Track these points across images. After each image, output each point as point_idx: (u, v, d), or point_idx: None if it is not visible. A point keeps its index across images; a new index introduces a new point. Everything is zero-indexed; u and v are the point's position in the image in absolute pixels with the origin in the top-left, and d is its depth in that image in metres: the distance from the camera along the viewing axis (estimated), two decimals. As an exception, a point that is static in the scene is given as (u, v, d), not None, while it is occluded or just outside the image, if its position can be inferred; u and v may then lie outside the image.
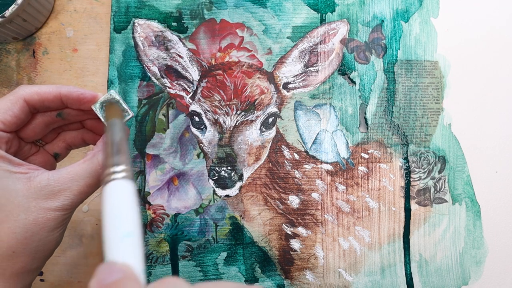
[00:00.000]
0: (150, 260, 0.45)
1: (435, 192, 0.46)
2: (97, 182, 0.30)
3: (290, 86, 0.47)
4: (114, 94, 0.32)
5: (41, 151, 0.35)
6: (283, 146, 0.46)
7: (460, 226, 0.45)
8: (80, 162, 0.30)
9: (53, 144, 0.35)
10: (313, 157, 0.46)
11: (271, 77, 0.46)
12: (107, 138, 0.28)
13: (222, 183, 0.45)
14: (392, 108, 0.46)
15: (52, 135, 0.35)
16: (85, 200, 0.30)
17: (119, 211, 0.22)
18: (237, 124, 0.46)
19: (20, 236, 0.27)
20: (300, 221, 0.45)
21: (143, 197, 0.46)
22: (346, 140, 0.46)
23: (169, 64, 0.47)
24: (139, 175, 0.46)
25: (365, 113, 0.46)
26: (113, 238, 0.21)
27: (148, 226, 0.45)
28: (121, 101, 0.32)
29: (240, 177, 0.45)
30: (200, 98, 0.46)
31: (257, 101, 0.46)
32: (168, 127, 0.46)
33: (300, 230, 0.45)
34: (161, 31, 0.47)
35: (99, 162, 0.30)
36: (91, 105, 0.32)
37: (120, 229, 0.22)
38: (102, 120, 0.32)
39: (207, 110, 0.46)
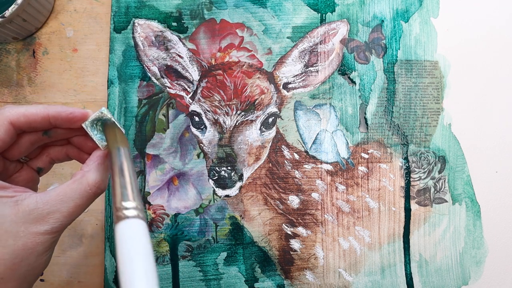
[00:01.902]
0: (150, 260, 0.45)
1: (435, 192, 0.46)
2: (86, 202, 0.29)
3: (290, 86, 0.47)
4: (106, 112, 0.31)
5: (25, 167, 0.34)
6: (283, 146, 0.46)
7: (460, 226, 0.45)
8: (69, 182, 0.29)
9: (37, 159, 0.34)
10: (313, 157, 0.46)
11: (271, 77, 0.46)
12: (115, 168, 0.27)
13: (222, 183, 0.45)
14: (392, 108, 0.46)
15: (36, 151, 0.34)
16: (74, 220, 0.30)
17: (137, 257, 0.22)
18: (237, 124, 0.46)
19: (8, 262, 0.26)
20: (300, 221, 0.45)
21: (143, 197, 0.46)
22: (346, 140, 0.46)
23: (169, 64, 0.47)
24: (139, 175, 0.46)
25: (365, 113, 0.46)
26: (131, 285, 0.22)
27: (148, 226, 0.45)
28: (113, 119, 0.31)
29: (240, 177, 0.45)
30: (200, 98, 0.46)
31: (257, 101, 0.46)
32: (168, 127, 0.46)
33: (300, 230, 0.45)
34: (161, 31, 0.47)
35: (89, 182, 0.29)
36: (82, 123, 0.31)
37: (138, 275, 0.22)
38: (94, 138, 0.31)
39: (207, 110, 0.46)
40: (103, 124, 0.31)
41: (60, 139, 0.33)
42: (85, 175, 0.29)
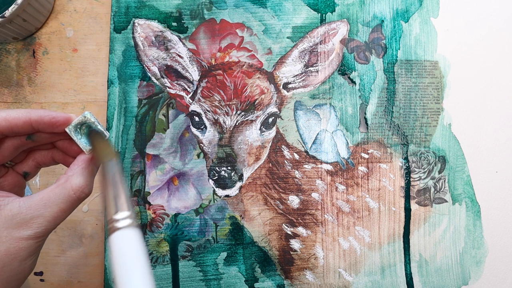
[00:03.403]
0: (150, 260, 0.45)
1: (435, 192, 0.46)
2: (71, 207, 0.29)
3: (290, 86, 0.47)
4: (89, 116, 0.30)
5: (10, 172, 0.33)
6: (283, 146, 0.46)
7: (460, 226, 0.45)
8: (53, 187, 0.29)
9: (23, 164, 0.34)
10: (313, 157, 0.46)
11: (271, 77, 0.46)
12: (107, 181, 0.27)
13: (222, 183, 0.45)
14: (392, 108, 0.46)
15: (22, 155, 0.34)
16: (58, 225, 0.30)
17: (132, 267, 0.23)
18: (237, 124, 0.46)
19: None
20: (300, 221, 0.45)
21: (143, 197, 0.46)
22: (346, 140, 0.46)
23: (169, 64, 0.47)
24: (139, 175, 0.46)
25: (365, 113, 0.46)
26: None
27: (148, 226, 0.45)
28: (96, 123, 0.31)
29: (240, 177, 0.45)
30: (200, 98, 0.46)
31: (257, 101, 0.46)
32: (168, 127, 0.46)
33: (300, 230, 0.45)
34: (161, 31, 0.47)
35: (72, 187, 0.29)
36: (65, 128, 0.30)
37: (136, 285, 0.22)
38: (78, 143, 0.30)
39: (207, 110, 0.46)
40: (89, 134, 0.31)
41: (45, 143, 0.33)
42: (68, 180, 0.29)
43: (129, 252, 0.23)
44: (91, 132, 0.31)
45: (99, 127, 0.31)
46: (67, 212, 0.29)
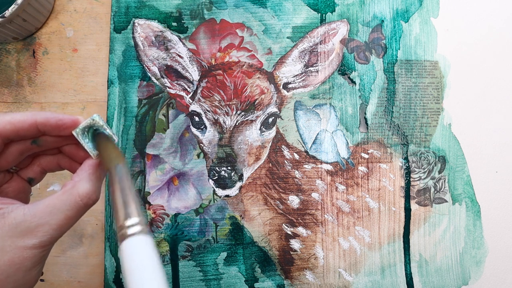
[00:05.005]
0: (150, 260, 0.45)
1: (435, 192, 0.46)
2: (77, 214, 0.28)
3: (290, 86, 0.47)
4: (98, 119, 0.29)
5: (15, 177, 0.32)
6: (283, 146, 0.46)
7: (460, 226, 0.45)
8: (59, 194, 0.27)
9: (28, 169, 0.33)
10: (313, 157, 0.46)
11: (271, 77, 0.46)
12: (115, 186, 0.26)
13: (222, 183, 0.45)
14: (392, 108, 0.46)
15: (27, 160, 0.32)
16: (64, 234, 0.28)
17: (145, 275, 0.22)
18: (237, 124, 0.46)
19: None
20: (300, 221, 0.45)
21: (143, 197, 0.46)
22: (346, 140, 0.46)
23: (169, 64, 0.47)
24: (139, 175, 0.46)
25: (365, 113, 0.46)
26: None
27: (148, 226, 0.45)
28: (105, 126, 0.29)
29: (240, 177, 0.45)
30: (200, 98, 0.46)
31: (257, 101, 0.46)
32: (168, 127, 0.46)
33: (300, 230, 0.45)
34: (161, 31, 0.47)
35: (79, 193, 0.27)
36: (72, 131, 0.29)
37: None
38: (85, 147, 0.29)
39: (207, 110, 0.46)
40: (96, 138, 0.30)
41: (51, 148, 0.32)
42: (75, 186, 0.28)
43: (141, 260, 0.22)
44: (97, 135, 0.29)
45: (108, 130, 0.30)
46: (73, 220, 0.28)
